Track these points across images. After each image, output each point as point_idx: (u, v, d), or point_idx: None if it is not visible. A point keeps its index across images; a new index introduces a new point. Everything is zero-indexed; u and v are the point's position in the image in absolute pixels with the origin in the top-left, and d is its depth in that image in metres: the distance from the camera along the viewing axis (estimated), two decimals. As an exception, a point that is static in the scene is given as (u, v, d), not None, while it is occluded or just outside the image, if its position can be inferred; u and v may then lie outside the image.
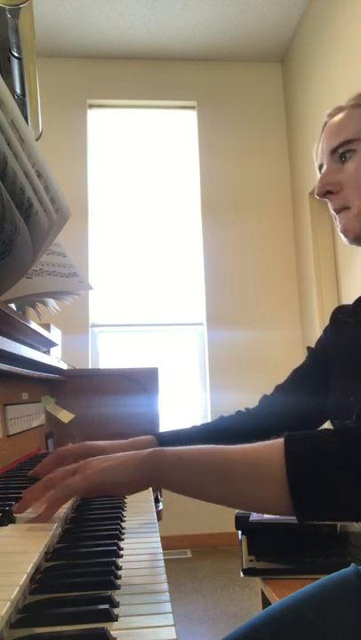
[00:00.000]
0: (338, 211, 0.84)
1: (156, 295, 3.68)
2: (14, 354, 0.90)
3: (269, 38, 3.70)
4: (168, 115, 3.94)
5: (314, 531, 1.11)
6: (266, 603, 1.11)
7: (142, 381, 1.50)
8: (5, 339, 0.85)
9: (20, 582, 0.46)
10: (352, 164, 0.81)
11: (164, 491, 1.14)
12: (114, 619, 0.45)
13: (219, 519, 2.93)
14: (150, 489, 1.07)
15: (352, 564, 0.73)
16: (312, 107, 3.37)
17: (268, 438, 0.95)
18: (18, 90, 1.30)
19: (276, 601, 0.73)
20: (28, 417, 1.17)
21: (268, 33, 3.64)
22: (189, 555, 3.16)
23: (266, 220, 3.76)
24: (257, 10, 3.41)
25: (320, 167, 0.87)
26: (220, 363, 3.55)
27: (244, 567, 1.10)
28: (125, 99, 3.85)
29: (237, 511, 1.14)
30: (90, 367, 3.46)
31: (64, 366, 1.51)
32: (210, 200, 3.76)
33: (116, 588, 0.52)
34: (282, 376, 1.02)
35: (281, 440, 0.59)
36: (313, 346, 1.02)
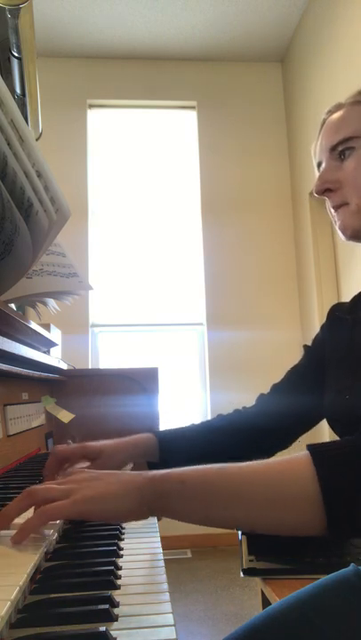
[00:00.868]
0: (336, 207, 0.83)
1: (155, 295, 3.68)
2: (14, 354, 0.89)
3: (269, 38, 3.70)
4: (168, 115, 3.94)
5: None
6: (266, 603, 1.11)
7: (142, 381, 1.50)
8: (5, 339, 0.85)
9: (20, 582, 0.46)
10: (351, 162, 0.80)
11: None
12: (114, 619, 0.45)
13: (219, 519, 2.92)
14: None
15: (352, 564, 0.73)
16: (312, 107, 3.36)
17: (266, 437, 0.95)
18: (18, 90, 1.30)
19: (276, 601, 0.73)
20: (27, 417, 1.17)
21: (268, 33, 3.64)
22: (189, 555, 3.16)
23: (266, 220, 3.76)
24: (257, 10, 3.41)
25: (319, 165, 0.87)
26: (219, 363, 3.55)
27: (244, 567, 1.10)
28: (125, 99, 3.85)
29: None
30: (90, 367, 3.46)
31: (64, 366, 1.51)
32: (210, 200, 3.76)
33: (116, 587, 0.52)
34: (282, 376, 1.02)
35: (306, 457, 0.55)
36: (310, 344, 1.01)
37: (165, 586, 0.53)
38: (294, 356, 1.05)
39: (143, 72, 3.85)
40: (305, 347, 1.02)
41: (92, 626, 0.43)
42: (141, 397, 1.49)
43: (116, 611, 0.47)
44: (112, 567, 0.55)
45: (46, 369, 1.27)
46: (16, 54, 1.20)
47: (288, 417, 0.95)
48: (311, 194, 3.40)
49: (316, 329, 1.07)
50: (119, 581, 0.54)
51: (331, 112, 0.86)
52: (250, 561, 1.10)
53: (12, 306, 1.22)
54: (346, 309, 0.93)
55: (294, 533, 0.56)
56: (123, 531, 0.70)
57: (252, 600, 2.41)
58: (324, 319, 1.00)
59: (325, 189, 0.83)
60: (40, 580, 0.53)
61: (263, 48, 3.80)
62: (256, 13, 3.44)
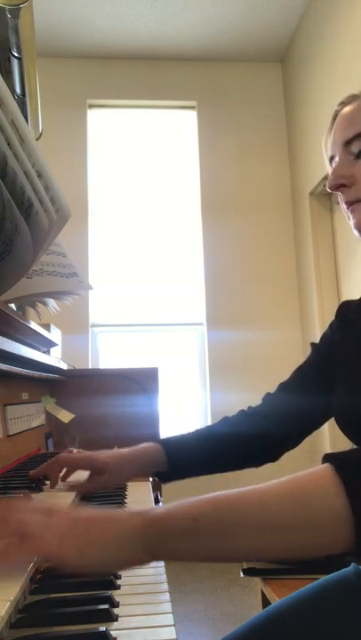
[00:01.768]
0: (350, 204, 0.80)
1: (155, 295, 3.68)
2: (14, 354, 0.89)
3: (269, 38, 3.70)
4: (168, 115, 3.94)
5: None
6: (266, 603, 1.11)
7: (142, 381, 1.50)
8: (5, 339, 0.85)
9: (20, 582, 0.46)
10: None
11: (164, 490, 1.13)
12: (114, 619, 0.45)
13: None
14: (150, 488, 1.07)
15: (352, 563, 0.73)
16: (312, 107, 3.36)
17: (276, 437, 0.93)
18: (18, 90, 1.30)
19: (276, 601, 0.73)
20: (27, 417, 1.17)
21: (268, 33, 3.64)
22: (189, 555, 3.16)
23: (266, 220, 3.76)
24: (257, 10, 3.41)
25: (331, 159, 0.84)
26: (220, 363, 3.55)
27: (244, 567, 1.10)
28: (125, 99, 3.85)
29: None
30: (90, 367, 3.46)
31: (64, 366, 1.51)
32: (210, 200, 3.76)
33: (116, 587, 0.52)
34: (282, 376, 1.01)
35: (328, 470, 0.51)
36: (317, 341, 0.98)
37: (165, 586, 0.53)
38: (294, 356, 1.05)
39: (143, 72, 3.85)
40: (312, 344, 0.99)
41: (91, 626, 0.43)
42: (141, 397, 1.49)
43: (116, 611, 0.47)
44: (112, 567, 0.55)
45: (46, 369, 1.27)
46: (16, 54, 1.20)
47: (298, 415, 0.93)
48: (312, 194, 3.41)
49: (316, 329, 1.07)
50: (119, 581, 0.54)
51: (344, 104, 0.82)
52: (250, 561, 1.10)
53: (12, 306, 1.22)
54: (355, 308, 0.90)
55: (320, 553, 0.50)
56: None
57: (252, 600, 2.41)
58: (324, 319, 0.99)
59: (340, 185, 0.80)
60: (40, 580, 0.53)
61: (263, 48, 3.80)
62: (256, 13, 3.44)
